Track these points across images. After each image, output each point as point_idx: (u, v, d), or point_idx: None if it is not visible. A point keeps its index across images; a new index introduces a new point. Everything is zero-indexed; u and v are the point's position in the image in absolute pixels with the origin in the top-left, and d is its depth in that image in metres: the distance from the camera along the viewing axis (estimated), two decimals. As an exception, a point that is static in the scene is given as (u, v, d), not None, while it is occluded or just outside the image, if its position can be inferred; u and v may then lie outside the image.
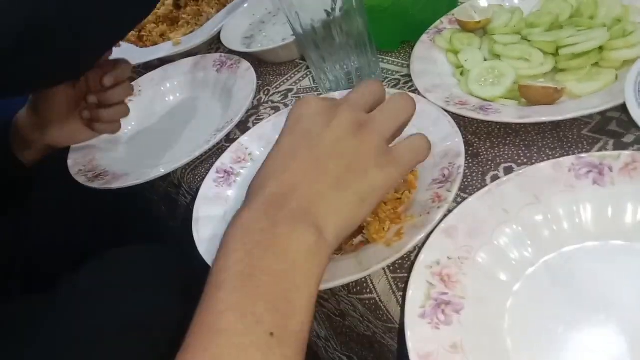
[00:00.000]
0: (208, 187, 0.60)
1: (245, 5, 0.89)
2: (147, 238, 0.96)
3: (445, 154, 0.52)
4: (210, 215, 0.57)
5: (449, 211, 0.47)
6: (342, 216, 0.39)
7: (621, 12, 0.58)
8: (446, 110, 0.55)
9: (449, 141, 0.53)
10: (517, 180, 0.47)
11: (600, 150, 0.51)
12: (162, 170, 0.66)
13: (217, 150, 0.70)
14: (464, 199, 0.48)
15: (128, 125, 0.81)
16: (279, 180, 0.40)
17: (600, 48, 0.56)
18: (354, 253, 0.49)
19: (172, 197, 0.81)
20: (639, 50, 0.54)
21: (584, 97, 0.54)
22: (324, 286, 0.45)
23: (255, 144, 0.64)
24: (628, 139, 0.50)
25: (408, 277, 0.44)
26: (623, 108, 0.48)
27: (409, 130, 0.57)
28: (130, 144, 0.79)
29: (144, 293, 0.67)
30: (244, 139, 0.65)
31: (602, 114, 0.53)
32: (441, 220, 0.46)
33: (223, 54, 0.82)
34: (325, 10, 0.62)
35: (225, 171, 0.62)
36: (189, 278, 0.71)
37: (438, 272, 0.43)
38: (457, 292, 0.42)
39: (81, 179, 0.70)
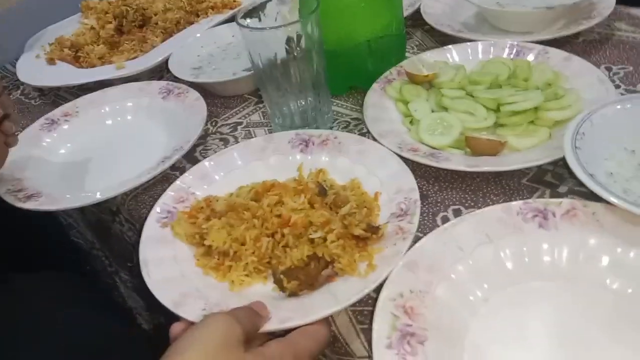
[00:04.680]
0: (152, 228, 0.58)
1: (197, 36, 0.89)
2: (65, 264, 0.90)
3: (398, 190, 0.55)
4: (159, 257, 0.55)
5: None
6: None
7: (552, 77, 0.66)
8: (399, 156, 0.59)
9: (399, 178, 0.56)
10: (470, 220, 0.50)
11: (539, 197, 0.56)
12: (105, 195, 0.63)
13: (161, 179, 0.68)
14: (417, 237, 0.51)
15: (63, 146, 0.77)
16: None
17: (536, 108, 0.62)
18: (325, 287, 0.49)
19: (104, 225, 0.76)
20: (569, 112, 0.61)
21: (522, 151, 0.59)
22: (301, 321, 0.45)
23: (198, 183, 0.63)
24: (562, 189, 0.56)
25: (373, 310, 0.45)
26: (556, 162, 0.55)
27: (359, 170, 0.60)
28: (66, 165, 0.75)
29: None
30: (185, 179, 0.63)
31: (538, 166, 0.58)
32: (409, 250, 0.48)
33: (170, 82, 0.81)
34: (286, 48, 0.64)
35: (169, 211, 0.60)
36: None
37: (401, 304, 0.45)
38: (420, 323, 0.44)
39: (9, 199, 0.65)
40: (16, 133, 0.66)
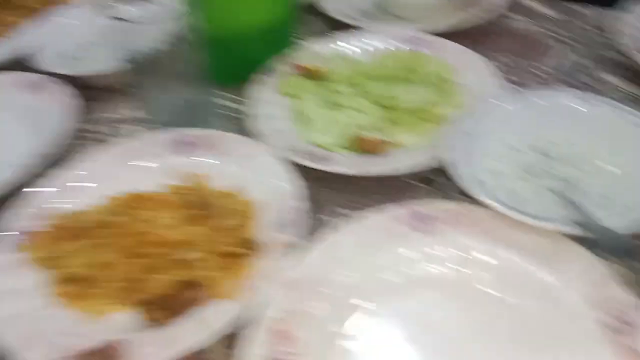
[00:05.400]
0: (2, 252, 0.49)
1: (70, 19, 0.79)
2: None
3: (283, 197, 0.51)
4: (6, 287, 0.47)
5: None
6: None
7: (445, 71, 0.64)
8: (287, 158, 0.54)
9: (284, 185, 0.52)
10: (352, 229, 0.48)
11: (422, 198, 0.53)
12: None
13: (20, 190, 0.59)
14: (302, 249, 0.47)
15: None
16: None
17: (427, 104, 0.60)
18: (195, 313, 0.44)
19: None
20: (458, 109, 0.59)
21: (410, 149, 0.57)
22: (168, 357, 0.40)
23: (62, 196, 0.54)
24: (450, 189, 0.54)
25: (245, 333, 0.41)
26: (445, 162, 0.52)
27: (242, 175, 0.54)
28: None
29: None
30: (46, 191, 0.54)
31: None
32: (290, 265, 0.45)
33: (36, 73, 0.72)
34: (165, 38, 0.58)
35: (23, 231, 0.51)
36: None
37: (277, 328, 0.41)
38: (296, 348, 0.40)
39: None
40: None
